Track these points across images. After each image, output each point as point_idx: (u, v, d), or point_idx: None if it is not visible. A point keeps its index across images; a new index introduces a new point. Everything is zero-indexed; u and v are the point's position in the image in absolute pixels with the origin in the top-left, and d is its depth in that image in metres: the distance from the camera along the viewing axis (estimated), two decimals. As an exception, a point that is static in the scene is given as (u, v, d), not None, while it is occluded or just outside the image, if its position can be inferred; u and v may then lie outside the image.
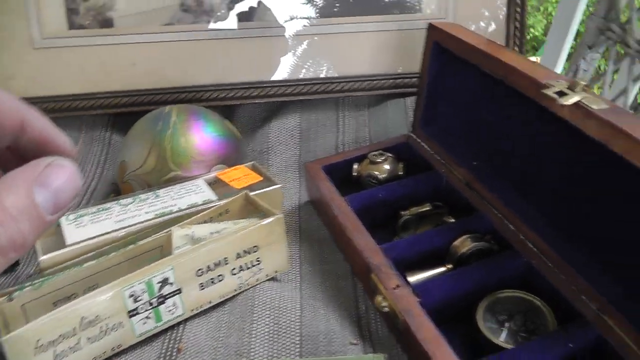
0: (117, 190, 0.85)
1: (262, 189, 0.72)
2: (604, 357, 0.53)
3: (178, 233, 0.64)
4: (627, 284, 0.54)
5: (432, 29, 0.76)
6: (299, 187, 0.86)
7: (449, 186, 0.74)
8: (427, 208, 0.73)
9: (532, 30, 2.77)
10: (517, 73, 0.61)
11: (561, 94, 0.55)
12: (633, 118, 0.51)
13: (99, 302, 0.55)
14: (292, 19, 0.94)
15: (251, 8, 0.93)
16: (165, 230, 0.64)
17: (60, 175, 0.30)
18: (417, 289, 0.58)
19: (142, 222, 0.66)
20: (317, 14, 0.94)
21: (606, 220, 0.57)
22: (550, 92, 0.55)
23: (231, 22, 0.93)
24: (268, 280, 0.67)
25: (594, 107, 0.52)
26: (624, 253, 0.55)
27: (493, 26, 0.96)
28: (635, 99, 0.82)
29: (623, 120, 0.49)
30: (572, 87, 0.55)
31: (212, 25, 0.93)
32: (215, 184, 0.75)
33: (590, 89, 0.55)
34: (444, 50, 0.75)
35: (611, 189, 0.55)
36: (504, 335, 0.58)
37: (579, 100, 0.53)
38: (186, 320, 0.63)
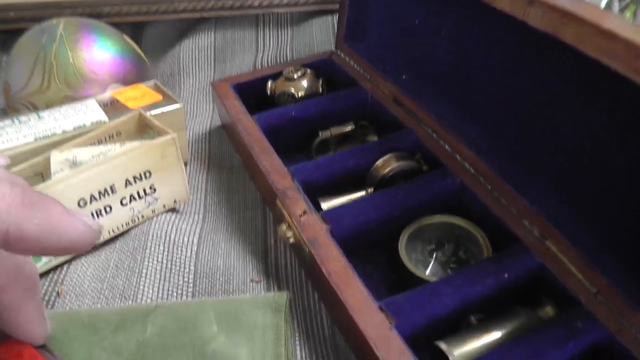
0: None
1: (161, 108, 0.63)
2: (542, 286, 0.46)
3: (56, 157, 0.55)
4: (574, 204, 0.47)
5: None
6: (212, 112, 0.77)
7: (374, 103, 0.65)
8: (350, 127, 0.64)
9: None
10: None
11: (497, -19, 0.46)
12: (585, 3, 0.42)
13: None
14: None
15: None
16: (43, 155, 0.55)
17: None
18: (329, 215, 0.49)
19: (18, 147, 0.57)
20: None
21: (550, 130, 0.49)
22: (483, -21, 0.47)
23: None
24: (167, 211, 0.59)
25: (538, -9, 0.43)
26: (570, 168, 0.47)
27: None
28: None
29: (574, 4, 0.41)
30: (510, -27, 0.46)
31: None
32: (111, 106, 0.65)
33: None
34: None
35: (558, 91, 0.47)
36: (431, 267, 0.50)
37: (520, -14, 0.44)
38: (71, 260, 0.55)
